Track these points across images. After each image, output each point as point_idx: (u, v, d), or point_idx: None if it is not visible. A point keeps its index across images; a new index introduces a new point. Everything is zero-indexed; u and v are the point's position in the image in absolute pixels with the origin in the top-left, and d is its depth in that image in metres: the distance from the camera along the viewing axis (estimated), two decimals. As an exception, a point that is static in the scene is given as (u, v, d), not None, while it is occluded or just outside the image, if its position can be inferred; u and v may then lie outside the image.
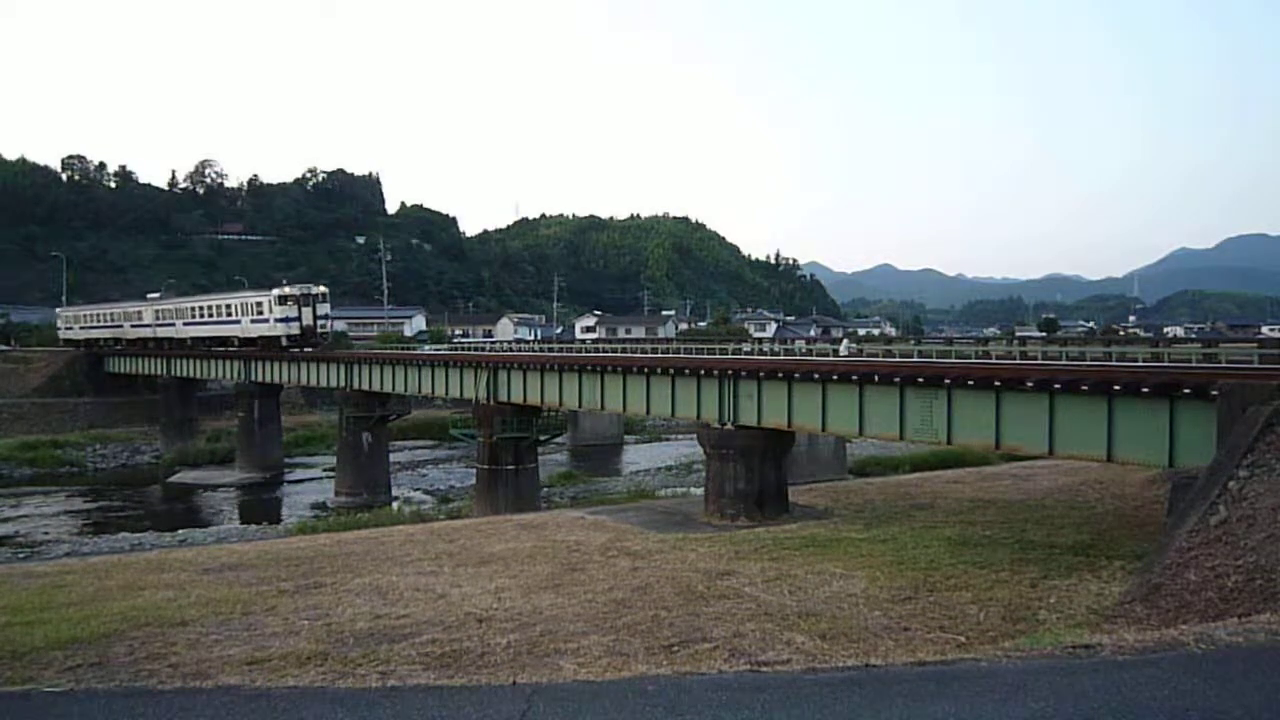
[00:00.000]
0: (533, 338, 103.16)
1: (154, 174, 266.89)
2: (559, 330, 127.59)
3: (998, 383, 21.75)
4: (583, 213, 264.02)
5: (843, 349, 44.06)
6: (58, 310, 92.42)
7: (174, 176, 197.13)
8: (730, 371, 29.57)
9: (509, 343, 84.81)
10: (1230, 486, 14.20)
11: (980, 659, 5.57)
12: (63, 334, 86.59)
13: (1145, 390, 18.98)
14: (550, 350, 54.60)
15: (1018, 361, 22.43)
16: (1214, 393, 16.95)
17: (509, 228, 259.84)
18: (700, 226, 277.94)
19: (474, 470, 43.90)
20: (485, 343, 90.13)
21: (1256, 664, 5.07)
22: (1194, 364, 19.08)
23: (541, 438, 42.34)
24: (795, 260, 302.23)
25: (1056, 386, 20.57)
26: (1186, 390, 18.15)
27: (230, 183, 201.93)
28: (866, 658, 10.01)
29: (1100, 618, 13.66)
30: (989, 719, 4.39)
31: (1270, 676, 4.93)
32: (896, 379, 24.06)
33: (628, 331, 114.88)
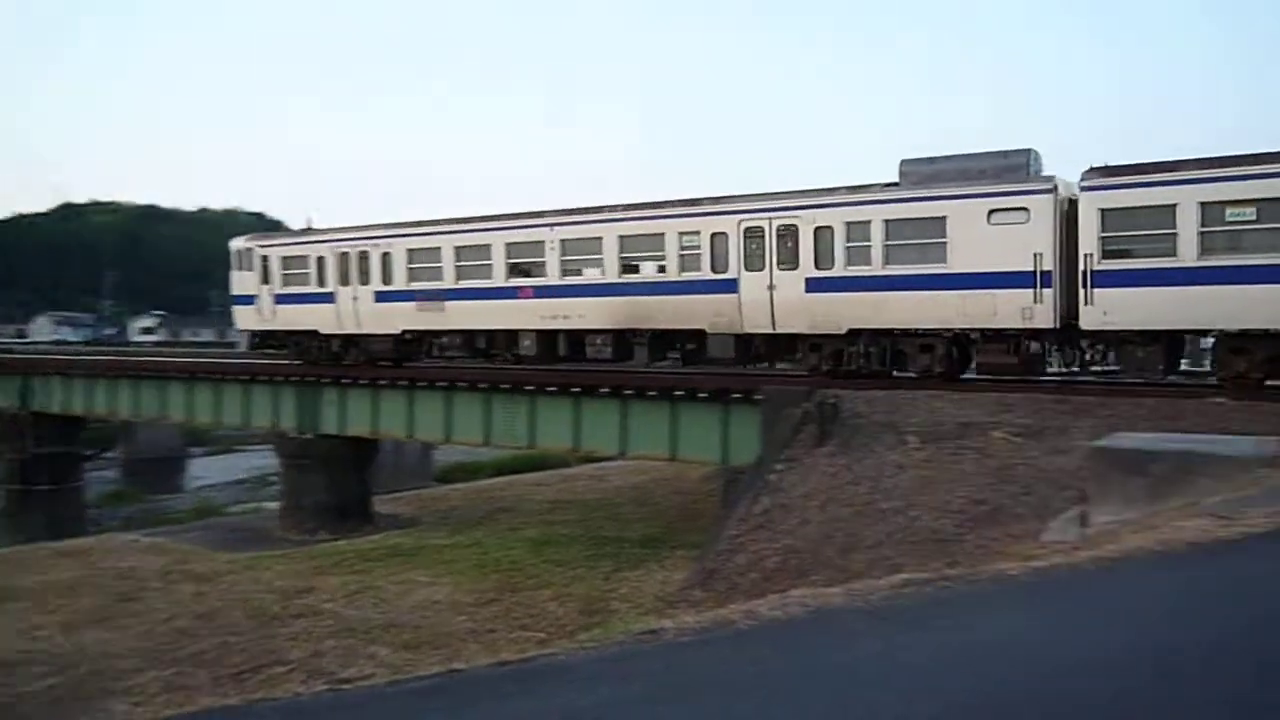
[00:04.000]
0: (79, 339, 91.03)
1: None
2: (113, 331, 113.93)
3: (576, 389, 22.86)
4: (141, 201, 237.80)
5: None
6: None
7: None
8: (311, 377, 28.23)
9: (48, 343, 74.28)
10: (770, 479, 16.12)
11: (559, 653, 5.78)
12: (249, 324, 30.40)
13: (703, 395, 20.97)
14: (101, 353, 48.54)
15: (595, 369, 23.81)
16: (758, 397, 19.14)
17: (50, 213, 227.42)
18: (278, 224, 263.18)
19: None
20: (16, 343, 77.95)
21: (789, 634, 5.77)
22: (744, 372, 21.47)
23: (87, 453, 37.51)
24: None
25: (628, 392, 22.06)
26: (736, 395, 20.32)
27: None
28: (450, 663, 9.96)
29: (665, 604, 14.83)
30: (565, 709, 4.54)
31: (797, 643, 5.63)
32: (483, 385, 24.42)
33: (194, 334, 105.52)
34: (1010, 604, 6.25)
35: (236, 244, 29.59)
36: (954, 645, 5.28)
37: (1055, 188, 17.39)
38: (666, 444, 21.72)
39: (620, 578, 19.04)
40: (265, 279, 28.11)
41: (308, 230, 29.20)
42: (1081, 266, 16.73)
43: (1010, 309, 17.42)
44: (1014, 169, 18.17)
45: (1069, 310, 17.21)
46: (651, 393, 21.70)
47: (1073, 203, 17.24)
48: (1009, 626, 5.70)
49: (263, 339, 29.70)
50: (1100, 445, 11.37)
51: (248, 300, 28.87)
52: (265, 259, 28.25)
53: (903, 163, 19.39)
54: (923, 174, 18.95)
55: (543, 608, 16.60)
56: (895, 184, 19.36)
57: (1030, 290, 17.20)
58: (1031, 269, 17.15)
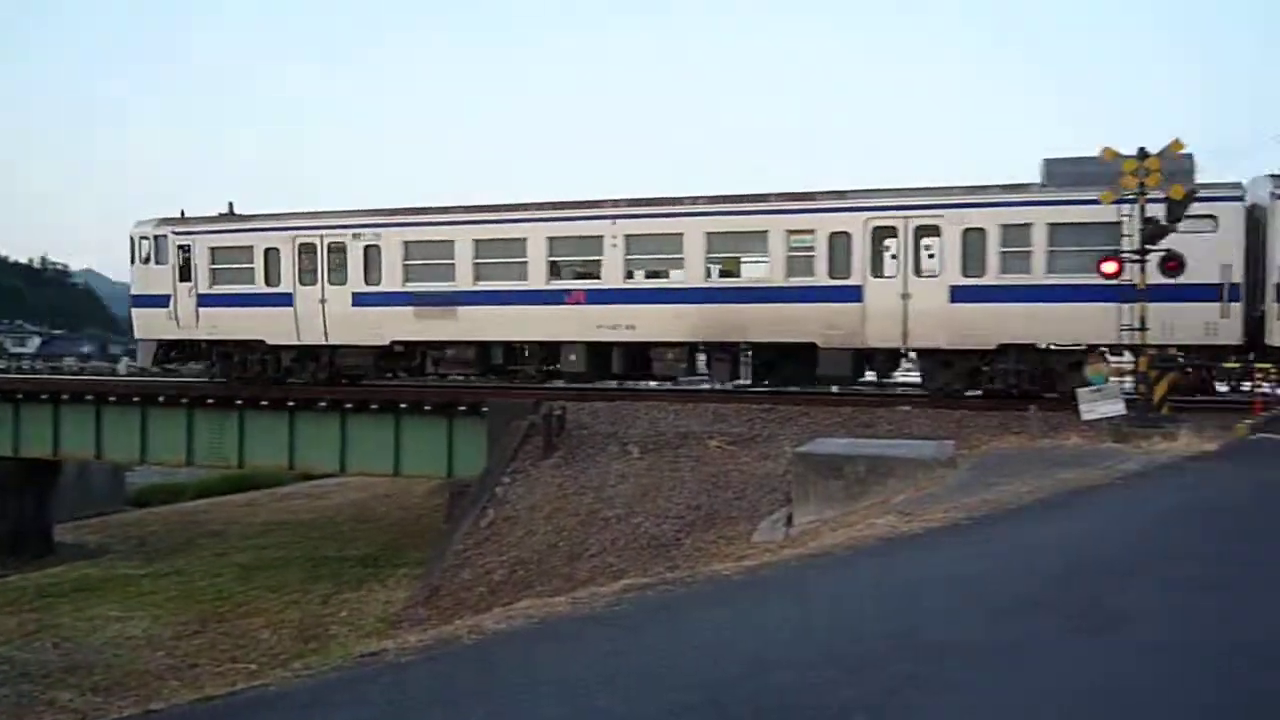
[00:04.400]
0: None
1: None
2: None
3: (291, 403, 21.73)
4: None
5: (121, 367, 40.28)
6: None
7: None
8: (-24, 393, 25.02)
9: None
10: (497, 492, 16.10)
11: (270, 684, 5.44)
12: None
13: (428, 408, 20.58)
14: None
15: (313, 384, 22.67)
16: (484, 410, 19.06)
17: None
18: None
19: None
20: None
21: (516, 646, 5.77)
22: (468, 384, 21.33)
23: None
24: (67, 266, 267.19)
25: (349, 406, 21.22)
26: (463, 408, 20.11)
27: None
28: (147, 704, 9.15)
29: (388, 624, 14.40)
30: (278, 744, 4.29)
31: (524, 654, 5.65)
32: (185, 399, 22.65)
33: None
34: (724, 602, 6.61)
35: (141, 229, 23.11)
36: (673, 645, 5.51)
37: (1244, 195, 16.42)
38: (390, 459, 21.13)
39: (340, 600, 18.27)
40: (185, 275, 22.35)
41: (234, 215, 23.28)
42: (1275, 280, 15.88)
43: (1191, 323, 16.15)
44: (1178, 174, 16.37)
45: (1252, 325, 16.38)
46: (374, 406, 21.04)
47: (1252, 211, 16.49)
48: (722, 624, 6.01)
49: (168, 351, 23.38)
50: (802, 451, 12.29)
51: (157, 301, 22.68)
52: (186, 250, 22.44)
53: (1046, 162, 17.86)
54: (1070, 175, 17.24)
55: (254, 637, 15.62)
56: (1038, 185, 17.86)
57: (1216, 304, 16.11)
58: (1219, 281, 16.08)
